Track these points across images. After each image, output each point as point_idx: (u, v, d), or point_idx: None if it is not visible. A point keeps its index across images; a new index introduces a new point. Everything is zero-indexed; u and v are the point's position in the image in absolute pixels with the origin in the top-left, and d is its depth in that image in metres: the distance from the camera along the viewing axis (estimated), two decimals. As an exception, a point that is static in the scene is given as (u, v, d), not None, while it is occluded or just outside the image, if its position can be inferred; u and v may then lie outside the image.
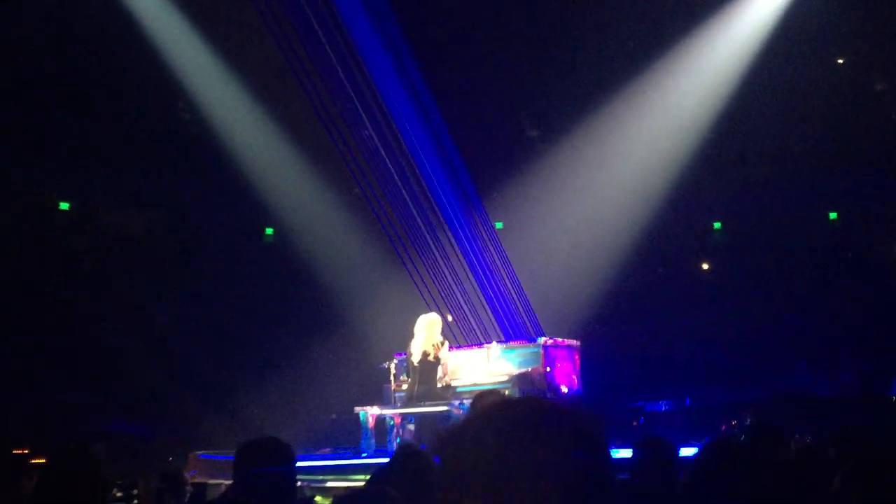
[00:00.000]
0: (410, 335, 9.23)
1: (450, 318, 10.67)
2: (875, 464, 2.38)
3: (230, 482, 3.76)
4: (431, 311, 9.82)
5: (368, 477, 3.70)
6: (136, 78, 12.47)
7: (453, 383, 9.41)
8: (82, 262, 13.15)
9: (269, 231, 14.19)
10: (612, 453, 1.25)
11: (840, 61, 13.01)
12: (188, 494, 5.84)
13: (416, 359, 9.05)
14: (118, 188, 13.30)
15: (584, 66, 13.00)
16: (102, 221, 13.45)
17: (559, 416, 1.14)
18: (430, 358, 8.98)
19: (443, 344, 9.10)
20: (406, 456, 3.41)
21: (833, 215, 14.02)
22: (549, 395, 9.37)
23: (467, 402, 7.99)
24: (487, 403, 4.63)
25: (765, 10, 12.23)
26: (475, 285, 11.13)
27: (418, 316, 9.35)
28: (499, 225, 12.84)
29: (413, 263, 10.99)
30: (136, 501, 5.19)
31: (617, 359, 13.01)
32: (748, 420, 9.55)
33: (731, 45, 12.39)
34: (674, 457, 3.98)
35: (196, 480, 7.46)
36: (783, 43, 12.25)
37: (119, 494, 5.14)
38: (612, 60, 12.79)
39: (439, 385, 9.17)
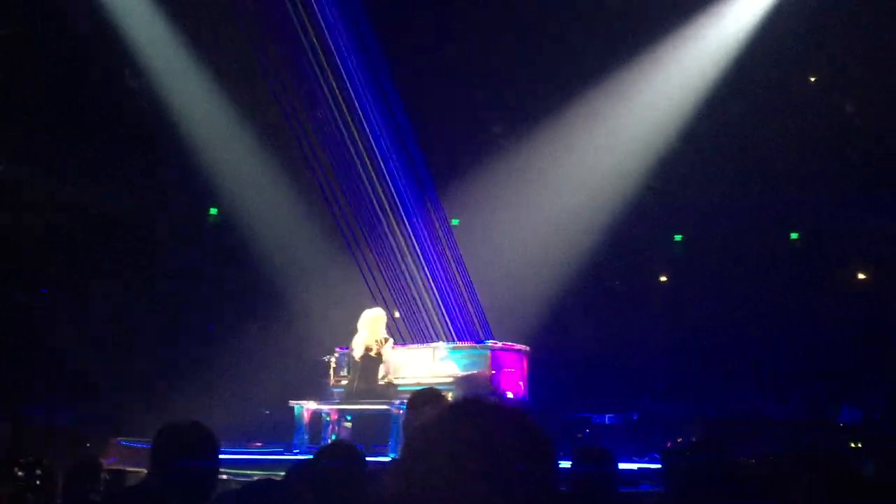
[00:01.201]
0: (354, 329, 9.16)
1: (396, 314, 10.66)
2: (831, 481, 2.40)
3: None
4: (377, 305, 9.80)
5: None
6: (82, 39, 12.15)
7: (395, 382, 9.34)
8: (6, 236, 12.80)
9: (213, 211, 14.05)
10: (558, 466, 1.31)
11: (812, 79, 13.13)
12: (104, 482, 5.66)
13: (357, 354, 8.96)
14: (49, 157, 12.87)
15: (552, 64, 12.97)
16: (29, 194, 13.01)
17: (514, 425, 1.19)
18: (373, 354, 8.91)
19: (386, 341, 9.05)
20: (334, 454, 3.35)
21: (794, 235, 14.21)
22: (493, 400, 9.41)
23: (408, 402, 7.97)
24: (425, 401, 4.55)
25: (739, 23, 12.21)
26: (425, 281, 11.08)
27: (363, 310, 9.30)
28: (455, 221, 12.79)
29: (362, 254, 10.99)
30: (38, 482, 5.03)
31: (566, 368, 13.06)
32: (693, 437, 9.64)
33: (702, 55, 12.41)
34: (613, 468, 3.98)
35: (114, 468, 7.28)
36: (756, 57, 12.30)
37: (21, 474, 4.97)
38: (581, 61, 12.74)
39: (381, 383, 9.10)
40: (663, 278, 14.71)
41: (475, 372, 9.46)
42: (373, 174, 10.97)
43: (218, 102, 12.67)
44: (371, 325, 8.97)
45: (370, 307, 9.43)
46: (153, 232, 13.54)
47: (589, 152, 13.24)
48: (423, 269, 11.10)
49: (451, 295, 11.10)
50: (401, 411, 8.37)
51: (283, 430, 10.03)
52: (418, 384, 8.72)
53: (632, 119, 12.98)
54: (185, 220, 13.84)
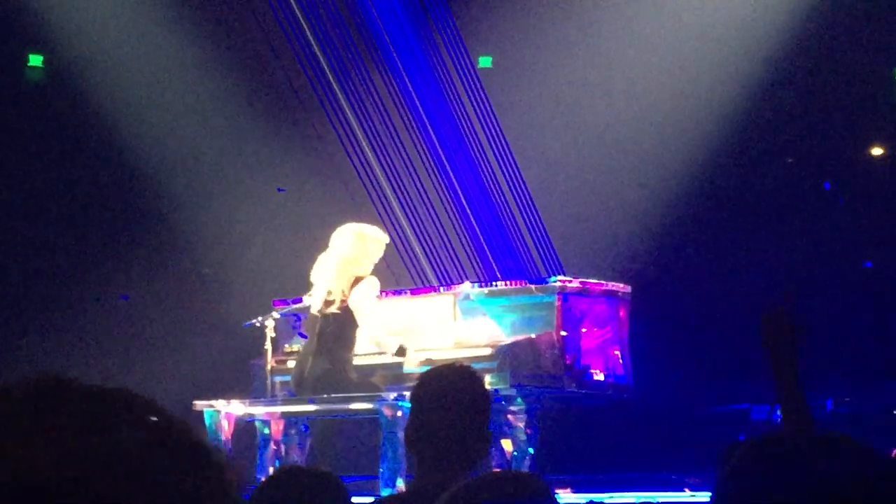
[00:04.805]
0: (309, 266, 9.65)
1: (385, 238, 11.03)
2: None
3: None
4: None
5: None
6: None
7: (386, 358, 9.68)
8: None
9: (34, 61, 14.44)
10: None
11: None
12: None
13: (315, 300, 9.25)
14: None
15: None
16: None
17: None
18: (336, 308, 9.17)
19: (369, 286, 9.40)
20: (284, 491, 3.65)
21: None
22: (569, 388, 9.35)
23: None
24: (439, 388, 4.26)
25: None
26: (434, 176, 11.66)
27: (325, 231, 9.88)
28: (485, 62, 13.27)
29: (317, 132, 11.88)
30: None
31: (696, 323, 13.25)
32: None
33: None
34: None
35: None
36: None
37: None
38: None
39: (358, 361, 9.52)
40: (877, 150, 14.68)
41: (532, 335, 9.63)
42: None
43: None
44: (347, 249, 9.37)
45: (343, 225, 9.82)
46: None
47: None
48: (429, 151, 11.62)
49: (480, 197, 11.65)
50: (399, 412, 8.80)
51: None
52: (429, 360, 9.20)
53: None
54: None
